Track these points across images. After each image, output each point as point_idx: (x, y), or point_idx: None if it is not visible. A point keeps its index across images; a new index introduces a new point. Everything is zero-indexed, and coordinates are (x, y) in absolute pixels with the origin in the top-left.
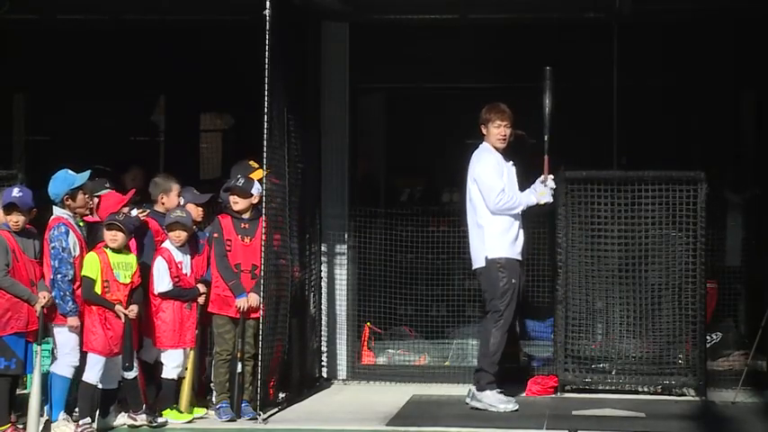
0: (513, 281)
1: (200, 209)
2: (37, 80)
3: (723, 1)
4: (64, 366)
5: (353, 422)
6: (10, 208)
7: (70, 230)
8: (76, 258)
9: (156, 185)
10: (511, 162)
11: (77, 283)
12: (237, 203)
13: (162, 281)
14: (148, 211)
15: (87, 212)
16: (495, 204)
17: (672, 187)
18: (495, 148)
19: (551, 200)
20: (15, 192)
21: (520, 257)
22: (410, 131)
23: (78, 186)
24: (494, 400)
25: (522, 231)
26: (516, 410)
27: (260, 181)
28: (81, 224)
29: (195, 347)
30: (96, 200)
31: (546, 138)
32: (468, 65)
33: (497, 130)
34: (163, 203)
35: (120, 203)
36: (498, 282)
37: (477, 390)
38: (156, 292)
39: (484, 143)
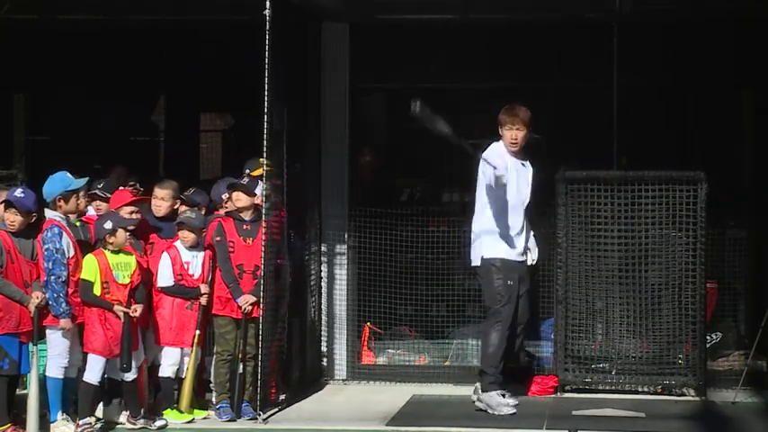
0: (510, 282)
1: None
2: (37, 80)
3: (723, 1)
4: (54, 368)
5: (353, 422)
6: (7, 206)
7: (63, 232)
8: (70, 259)
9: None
10: (523, 163)
11: (72, 286)
12: (240, 200)
13: (163, 275)
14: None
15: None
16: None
17: (672, 187)
18: (509, 151)
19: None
20: (18, 192)
21: (520, 259)
22: (410, 131)
23: (73, 191)
24: (493, 403)
25: (523, 233)
26: (514, 414)
27: (259, 178)
28: (77, 224)
29: (196, 348)
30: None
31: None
32: (468, 65)
33: (509, 134)
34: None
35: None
36: (493, 282)
37: (482, 390)
38: (157, 287)
39: (497, 143)
